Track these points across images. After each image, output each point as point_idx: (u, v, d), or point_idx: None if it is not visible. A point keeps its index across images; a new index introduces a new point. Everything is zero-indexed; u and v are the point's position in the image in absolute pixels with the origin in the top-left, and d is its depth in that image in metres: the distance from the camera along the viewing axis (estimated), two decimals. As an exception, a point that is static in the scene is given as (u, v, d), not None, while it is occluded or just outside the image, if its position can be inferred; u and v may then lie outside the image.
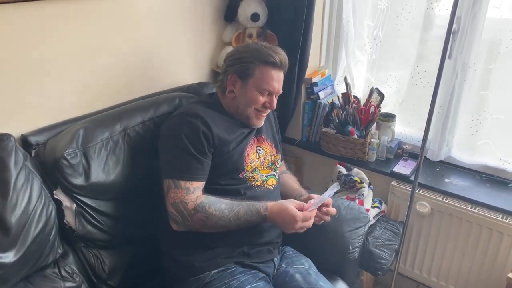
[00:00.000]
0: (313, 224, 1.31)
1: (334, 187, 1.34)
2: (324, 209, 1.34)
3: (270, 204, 1.30)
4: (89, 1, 1.43)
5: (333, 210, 1.36)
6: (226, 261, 1.33)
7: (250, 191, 1.38)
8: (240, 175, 1.38)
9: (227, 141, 1.35)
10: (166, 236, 1.40)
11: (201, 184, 1.31)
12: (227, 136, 1.36)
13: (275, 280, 1.40)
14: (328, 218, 1.36)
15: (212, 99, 1.47)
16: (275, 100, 1.41)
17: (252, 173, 1.40)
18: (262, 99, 1.38)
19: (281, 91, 1.42)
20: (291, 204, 1.28)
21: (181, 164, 1.29)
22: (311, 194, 1.43)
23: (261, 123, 1.46)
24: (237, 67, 1.38)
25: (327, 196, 1.31)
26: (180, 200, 1.26)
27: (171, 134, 1.34)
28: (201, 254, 1.33)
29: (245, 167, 1.38)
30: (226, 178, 1.36)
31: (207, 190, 1.32)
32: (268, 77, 1.36)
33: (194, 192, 1.28)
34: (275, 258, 1.44)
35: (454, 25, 1.57)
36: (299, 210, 1.27)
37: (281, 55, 1.37)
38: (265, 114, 1.44)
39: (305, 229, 1.28)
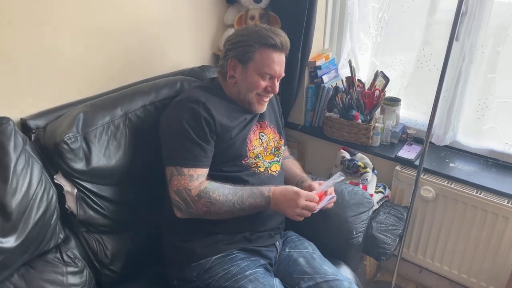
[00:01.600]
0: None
1: (337, 177, 1.32)
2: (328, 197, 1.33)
3: (273, 187, 1.29)
4: (87, -19, 1.40)
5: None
6: (227, 247, 1.32)
7: (253, 178, 1.37)
8: (243, 162, 1.36)
9: (229, 128, 1.33)
10: (167, 222, 1.39)
11: (204, 171, 1.30)
12: (229, 123, 1.34)
13: (278, 265, 1.40)
14: (330, 205, 1.36)
15: (213, 84, 1.45)
16: (277, 84, 1.38)
17: (255, 160, 1.38)
18: (263, 83, 1.35)
19: (283, 75, 1.39)
20: (295, 187, 1.28)
21: (183, 151, 1.27)
22: (312, 183, 1.41)
23: (263, 108, 1.43)
24: (237, 51, 1.35)
25: (330, 183, 1.30)
26: (184, 187, 1.25)
27: (172, 121, 1.32)
28: (202, 240, 1.33)
29: (247, 154, 1.37)
30: (229, 165, 1.35)
31: (210, 177, 1.31)
32: (268, 60, 1.33)
33: (198, 179, 1.26)
34: (277, 242, 1.43)
35: (463, 7, 1.53)
36: None
37: (282, 37, 1.33)
38: (267, 99, 1.41)
39: (309, 214, 1.26)
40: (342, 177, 1.33)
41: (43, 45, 1.34)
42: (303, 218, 1.27)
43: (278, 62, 1.35)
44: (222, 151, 1.33)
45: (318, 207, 1.27)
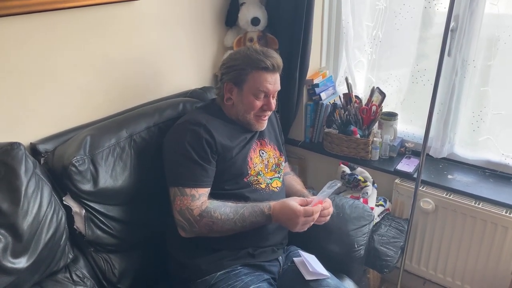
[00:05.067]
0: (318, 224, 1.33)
1: (333, 185, 1.30)
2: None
3: (273, 203, 1.31)
4: (92, 10, 1.46)
5: (328, 211, 1.36)
6: (231, 263, 1.35)
7: (255, 194, 1.40)
8: (245, 180, 1.40)
9: (230, 148, 1.38)
10: (173, 239, 1.43)
11: (206, 191, 1.33)
12: (230, 143, 1.38)
13: (282, 279, 1.42)
14: (326, 219, 1.37)
15: (213, 105, 1.50)
16: (272, 101, 1.42)
17: (257, 177, 1.42)
18: (259, 103, 1.40)
19: (278, 89, 1.43)
20: (293, 201, 1.29)
21: (185, 172, 1.32)
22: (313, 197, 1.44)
23: (263, 126, 1.47)
24: (231, 74, 1.40)
25: (326, 193, 1.31)
26: (186, 207, 1.28)
27: (174, 142, 1.36)
28: (207, 257, 1.36)
29: (249, 172, 1.41)
30: (231, 183, 1.39)
31: (212, 196, 1.34)
32: (261, 80, 1.37)
33: (200, 198, 1.30)
34: (280, 257, 1.46)
35: (452, 23, 1.59)
36: (303, 205, 1.27)
37: (273, 58, 1.37)
38: (265, 118, 1.45)
39: (310, 225, 1.29)
40: (338, 185, 1.32)
41: (51, 71, 1.40)
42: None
43: (271, 81, 1.39)
44: (223, 170, 1.37)
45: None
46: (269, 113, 1.46)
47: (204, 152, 1.32)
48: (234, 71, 1.39)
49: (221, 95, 1.45)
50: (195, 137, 1.32)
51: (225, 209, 1.29)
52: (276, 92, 1.44)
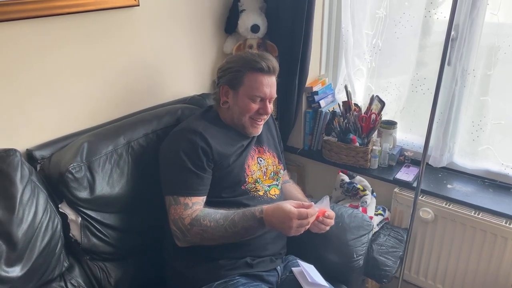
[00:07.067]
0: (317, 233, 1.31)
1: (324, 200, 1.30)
2: (321, 218, 1.30)
3: (266, 206, 1.24)
4: (91, 16, 1.45)
5: (331, 221, 1.34)
6: (228, 272, 1.33)
7: (253, 201, 1.38)
8: (243, 187, 1.38)
9: (227, 156, 1.36)
10: (170, 248, 1.41)
11: (201, 199, 1.32)
12: (226, 151, 1.37)
13: (280, 289, 1.41)
14: (327, 228, 1.34)
15: (211, 112, 1.49)
16: (269, 105, 1.40)
17: (255, 184, 1.41)
18: (254, 106, 1.38)
19: (274, 95, 1.42)
20: (287, 203, 1.20)
21: (180, 181, 1.30)
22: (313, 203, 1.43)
23: (258, 131, 1.45)
24: (227, 77, 1.40)
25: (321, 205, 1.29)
26: (179, 216, 1.27)
27: (170, 151, 1.35)
28: (204, 266, 1.34)
29: (246, 179, 1.39)
30: (228, 191, 1.37)
31: (210, 203, 1.32)
32: (257, 83, 1.36)
33: (193, 207, 1.28)
34: (278, 267, 1.44)
35: (452, 33, 1.58)
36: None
37: (269, 60, 1.37)
38: (261, 122, 1.43)
39: (306, 228, 1.21)
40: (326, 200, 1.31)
41: (48, 78, 1.39)
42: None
43: (267, 84, 1.38)
44: (220, 178, 1.36)
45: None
46: (265, 117, 1.43)
47: (199, 161, 1.30)
48: (230, 73, 1.39)
49: (217, 99, 1.45)
50: (190, 146, 1.31)
51: (215, 216, 1.26)
52: (273, 97, 1.42)
